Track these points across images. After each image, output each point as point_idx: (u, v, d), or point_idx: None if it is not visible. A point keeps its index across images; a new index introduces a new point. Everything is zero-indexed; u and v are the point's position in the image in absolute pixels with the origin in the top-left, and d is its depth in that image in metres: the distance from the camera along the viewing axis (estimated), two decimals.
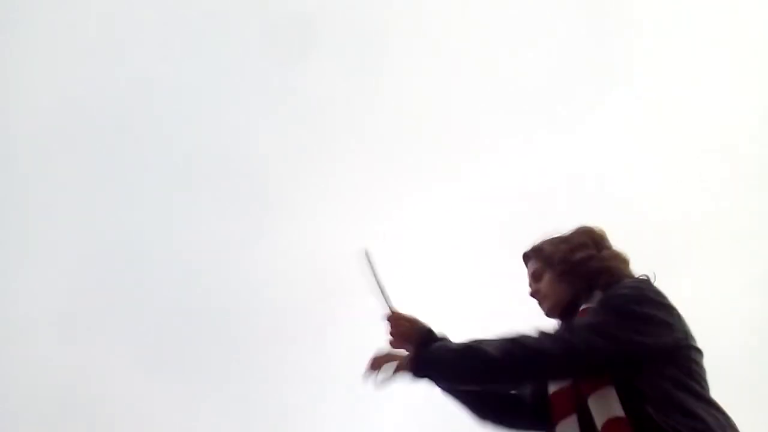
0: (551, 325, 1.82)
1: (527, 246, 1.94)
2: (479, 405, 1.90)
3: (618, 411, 1.53)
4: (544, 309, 1.86)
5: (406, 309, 1.84)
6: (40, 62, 5.76)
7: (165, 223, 5.78)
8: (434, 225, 5.47)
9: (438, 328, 1.80)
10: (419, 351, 1.73)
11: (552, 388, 1.70)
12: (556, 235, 1.90)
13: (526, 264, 1.94)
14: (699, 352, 1.65)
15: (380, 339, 1.87)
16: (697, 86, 5.40)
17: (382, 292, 1.84)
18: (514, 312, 2.04)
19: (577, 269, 1.79)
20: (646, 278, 1.74)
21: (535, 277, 1.89)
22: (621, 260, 1.81)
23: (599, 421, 1.54)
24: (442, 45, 5.71)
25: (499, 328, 1.66)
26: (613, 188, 5.21)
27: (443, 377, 1.75)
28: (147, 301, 5.45)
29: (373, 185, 5.64)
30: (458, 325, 1.81)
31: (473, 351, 1.63)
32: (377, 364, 1.81)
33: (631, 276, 1.78)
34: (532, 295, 1.89)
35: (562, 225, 1.93)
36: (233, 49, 5.89)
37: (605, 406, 1.55)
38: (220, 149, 5.85)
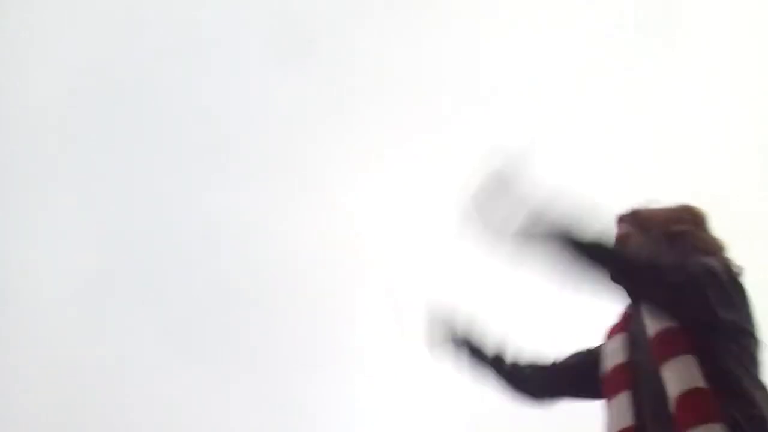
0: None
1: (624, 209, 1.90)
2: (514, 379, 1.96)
3: (700, 382, 1.47)
4: None
5: None
6: (55, 37, 5.68)
7: (190, 196, 5.69)
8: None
9: None
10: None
11: (609, 363, 1.70)
12: (655, 205, 1.87)
13: (617, 225, 1.87)
14: (760, 346, 1.62)
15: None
16: None
17: None
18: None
19: (668, 239, 1.75)
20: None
21: (621, 240, 1.80)
22: (717, 246, 1.76)
23: (675, 390, 1.48)
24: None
25: None
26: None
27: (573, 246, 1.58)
28: (168, 277, 5.40)
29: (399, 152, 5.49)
30: None
31: (608, 245, 1.60)
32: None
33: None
34: None
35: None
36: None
37: (684, 376, 1.49)
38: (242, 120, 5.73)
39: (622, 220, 1.85)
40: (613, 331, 1.78)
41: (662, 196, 1.85)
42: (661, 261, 1.59)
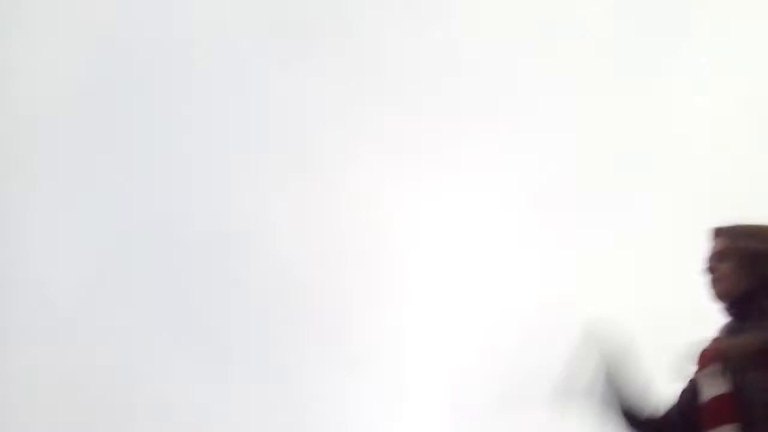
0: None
1: (721, 223, 1.87)
2: None
3: None
4: (714, 290, 1.80)
5: None
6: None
7: (191, 194, 5.67)
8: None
9: None
10: None
11: (708, 394, 1.66)
12: (754, 223, 1.83)
13: (714, 238, 1.84)
14: None
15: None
16: None
17: None
18: None
19: (763, 264, 1.74)
20: None
21: (719, 257, 1.80)
22: None
23: None
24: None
25: None
26: None
27: None
28: (170, 277, 5.39)
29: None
30: None
31: None
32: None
33: None
34: (709, 270, 1.81)
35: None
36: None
37: None
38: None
39: (719, 234, 1.83)
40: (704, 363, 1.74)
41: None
42: None
